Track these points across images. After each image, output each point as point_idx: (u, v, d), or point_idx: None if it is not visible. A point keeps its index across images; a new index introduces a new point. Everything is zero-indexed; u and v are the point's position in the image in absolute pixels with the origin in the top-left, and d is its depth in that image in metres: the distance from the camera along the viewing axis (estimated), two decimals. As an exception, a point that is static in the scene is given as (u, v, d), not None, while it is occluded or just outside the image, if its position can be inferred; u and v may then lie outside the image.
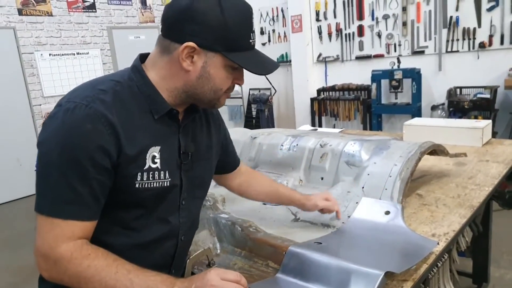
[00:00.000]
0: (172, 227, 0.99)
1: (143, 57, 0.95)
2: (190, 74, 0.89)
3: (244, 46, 0.88)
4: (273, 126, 5.94)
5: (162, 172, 0.92)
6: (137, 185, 0.88)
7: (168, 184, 0.93)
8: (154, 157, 0.90)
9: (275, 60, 5.81)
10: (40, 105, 5.36)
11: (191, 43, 0.84)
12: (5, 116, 5.02)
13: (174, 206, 0.99)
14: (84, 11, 5.63)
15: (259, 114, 6.03)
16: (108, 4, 5.86)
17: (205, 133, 1.07)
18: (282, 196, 1.33)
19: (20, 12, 5.09)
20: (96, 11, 5.75)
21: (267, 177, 1.38)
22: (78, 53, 5.62)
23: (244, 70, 0.91)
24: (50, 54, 5.38)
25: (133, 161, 0.86)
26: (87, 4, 5.64)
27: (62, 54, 5.49)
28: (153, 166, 0.90)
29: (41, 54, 5.31)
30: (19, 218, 4.49)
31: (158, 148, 0.91)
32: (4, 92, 5.01)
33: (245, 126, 6.21)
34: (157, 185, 0.91)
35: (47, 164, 0.81)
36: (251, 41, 0.89)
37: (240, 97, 6.47)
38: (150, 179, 0.89)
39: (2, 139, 5.02)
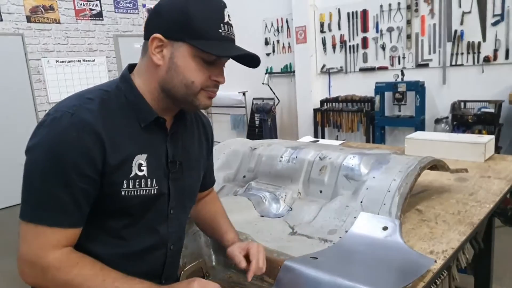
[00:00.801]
0: (161, 237, 0.99)
1: (131, 67, 0.96)
2: (161, 69, 0.89)
3: (212, 35, 0.86)
4: (276, 136, 5.94)
5: (149, 180, 0.92)
6: (123, 193, 0.88)
7: (155, 192, 0.93)
8: (140, 165, 0.90)
9: (279, 69, 5.80)
10: (45, 110, 5.35)
11: (157, 34, 0.86)
12: (10, 121, 5.06)
13: (162, 215, 0.98)
14: (91, 19, 5.70)
15: (262, 123, 6.03)
16: (115, 12, 5.93)
17: (196, 142, 1.07)
18: (216, 229, 1.18)
19: (28, 19, 5.16)
20: (103, 19, 5.82)
21: (219, 207, 1.26)
22: (84, 60, 5.68)
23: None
24: (56, 61, 5.44)
25: (118, 169, 0.86)
26: (94, 12, 5.71)
27: (69, 61, 5.55)
28: (140, 174, 0.90)
29: (48, 61, 5.37)
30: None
31: (144, 156, 0.91)
32: (11, 97, 5.06)
33: (248, 136, 6.22)
34: (144, 192, 0.91)
35: (32, 171, 0.82)
36: (221, 31, 0.86)
37: (244, 106, 6.48)
38: (137, 186, 0.90)
39: (7, 143, 5.05)
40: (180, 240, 1.07)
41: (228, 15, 0.89)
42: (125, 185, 0.88)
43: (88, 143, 0.82)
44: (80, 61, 5.64)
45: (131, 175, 0.89)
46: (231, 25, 0.90)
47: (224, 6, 0.89)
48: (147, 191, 0.92)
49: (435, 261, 1.14)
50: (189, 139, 1.05)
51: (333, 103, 5.47)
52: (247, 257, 1.04)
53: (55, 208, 0.82)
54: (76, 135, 0.81)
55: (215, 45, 0.86)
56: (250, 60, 0.92)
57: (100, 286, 0.82)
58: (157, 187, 0.93)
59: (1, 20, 4.94)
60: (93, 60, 5.76)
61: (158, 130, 0.95)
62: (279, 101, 5.98)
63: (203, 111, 1.09)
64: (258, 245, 1.07)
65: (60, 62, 5.47)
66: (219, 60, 0.89)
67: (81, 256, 0.85)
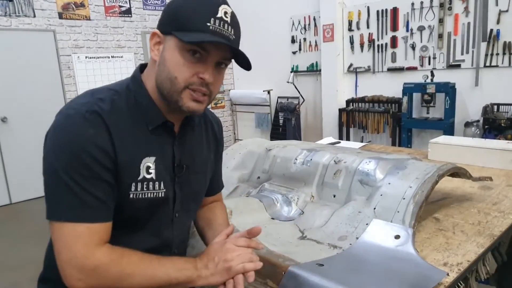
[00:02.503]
0: (165, 240, 0.98)
1: (143, 67, 0.95)
2: (157, 64, 0.89)
3: (198, 28, 0.82)
4: (299, 136, 5.89)
5: (157, 182, 0.91)
6: (131, 196, 0.88)
7: (162, 195, 0.92)
8: (148, 167, 0.89)
9: (305, 67, 5.74)
10: (75, 105, 5.55)
11: (155, 30, 0.88)
12: (41, 114, 5.23)
13: (167, 219, 0.97)
14: (120, 16, 5.81)
15: (286, 122, 5.99)
16: (144, 9, 6.02)
17: (204, 146, 1.05)
18: (208, 233, 1.12)
19: (60, 16, 5.31)
20: (131, 16, 5.91)
21: (222, 212, 1.21)
22: (112, 57, 5.80)
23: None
24: (86, 57, 5.58)
25: (126, 169, 0.86)
26: (123, 9, 5.81)
27: (98, 57, 5.67)
28: (148, 176, 0.89)
29: (78, 57, 5.51)
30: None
31: (152, 159, 0.90)
32: (42, 92, 5.23)
33: (272, 135, 6.20)
34: (151, 195, 0.90)
35: (55, 171, 0.81)
36: (209, 24, 0.83)
37: (268, 105, 6.46)
38: (145, 189, 0.89)
39: (37, 136, 5.22)
40: (183, 244, 1.07)
41: (225, 12, 0.85)
42: (133, 188, 0.88)
43: (102, 137, 0.83)
44: (108, 57, 5.76)
45: (139, 178, 0.88)
46: (227, 23, 0.85)
47: (222, 2, 0.85)
48: (155, 194, 0.91)
49: (447, 274, 1.08)
50: (197, 142, 1.04)
51: (359, 104, 5.36)
52: None
53: (89, 203, 0.81)
54: (92, 130, 0.82)
55: (196, 36, 0.82)
56: (244, 61, 0.89)
57: (150, 267, 0.84)
58: (164, 190, 0.93)
59: (34, 17, 5.10)
60: (121, 57, 5.87)
61: (166, 134, 0.94)
62: (304, 100, 5.92)
63: (217, 114, 1.06)
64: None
65: (90, 58, 5.61)
66: (208, 56, 0.86)
67: (120, 247, 0.86)
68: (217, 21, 0.83)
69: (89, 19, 5.55)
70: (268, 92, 6.38)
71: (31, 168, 5.09)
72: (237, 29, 0.88)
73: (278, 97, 6.32)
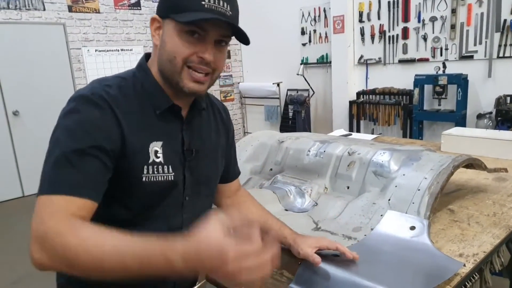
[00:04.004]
0: (174, 223, 0.99)
1: (148, 56, 0.97)
2: (158, 49, 0.90)
3: (193, 8, 0.83)
4: (309, 128, 5.87)
5: (165, 166, 0.92)
6: (144, 179, 0.89)
7: (172, 179, 0.94)
8: (156, 151, 0.91)
9: (315, 59, 5.69)
10: (85, 98, 5.59)
11: (154, 15, 0.89)
12: (52, 107, 5.26)
13: (177, 202, 0.98)
14: (129, 9, 5.81)
15: (296, 115, 5.97)
16: (153, 2, 6.01)
17: (213, 131, 1.06)
18: (269, 229, 1.17)
19: (70, 9, 5.33)
20: (140, 9, 5.92)
21: (260, 205, 1.27)
22: (122, 50, 5.81)
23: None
24: (96, 50, 5.60)
25: (136, 153, 0.88)
26: (132, 1, 5.81)
27: (107, 50, 5.69)
28: (157, 160, 0.91)
29: (88, 50, 5.54)
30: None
31: (160, 143, 0.91)
32: (53, 85, 5.27)
33: (281, 127, 6.19)
34: (162, 179, 0.92)
35: (52, 148, 0.82)
36: (204, 3, 0.83)
37: (278, 98, 6.44)
38: (155, 172, 0.91)
39: (49, 129, 5.25)
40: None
41: None
42: (145, 171, 0.89)
43: (108, 121, 0.84)
44: (118, 50, 5.78)
45: (149, 161, 0.90)
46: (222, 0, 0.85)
47: None
48: (165, 177, 0.92)
49: (464, 265, 1.08)
50: (205, 127, 1.05)
51: (370, 96, 5.32)
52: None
53: (71, 178, 0.78)
54: (98, 112, 0.83)
55: (194, 16, 0.83)
56: (242, 36, 0.89)
57: (98, 245, 0.70)
58: (173, 174, 0.94)
59: (44, 10, 5.12)
60: (130, 50, 5.88)
61: (173, 118, 0.95)
62: (313, 93, 5.89)
63: (224, 102, 1.07)
64: (326, 238, 1.14)
65: (99, 51, 5.63)
66: (206, 35, 0.86)
67: (85, 222, 0.76)
68: None
69: (99, 12, 5.56)
70: (278, 85, 6.36)
71: (43, 161, 5.16)
72: (233, 4, 0.88)
73: (288, 90, 6.30)
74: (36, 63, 5.11)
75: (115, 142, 0.84)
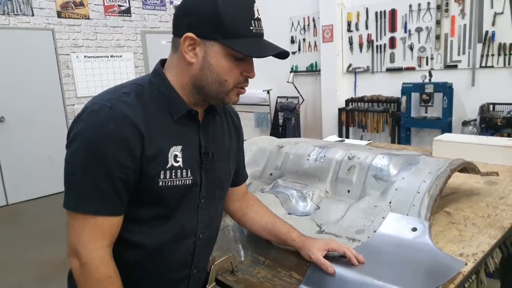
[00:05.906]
0: (190, 225, 1.01)
1: (164, 62, 0.99)
2: (194, 67, 0.91)
3: (243, 33, 0.87)
4: (299, 135, 5.93)
5: (184, 170, 0.95)
6: (160, 183, 0.91)
7: (190, 182, 0.96)
8: (176, 156, 0.93)
9: (305, 67, 5.77)
10: (73, 105, 5.55)
11: (189, 34, 0.88)
12: (39, 114, 5.22)
13: (193, 205, 1.01)
14: (119, 15, 5.81)
15: (286, 122, 6.03)
16: (143, 9, 6.02)
17: (226, 135, 1.10)
18: (278, 232, 1.22)
19: (59, 15, 5.30)
20: (131, 15, 5.92)
21: (268, 209, 1.31)
22: (112, 56, 5.80)
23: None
24: (85, 56, 5.57)
25: (154, 159, 0.90)
26: (122, 8, 5.81)
27: (97, 56, 5.67)
28: (176, 164, 0.93)
29: (77, 56, 5.51)
30: (50, 214, 4.63)
31: (179, 147, 0.94)
32: (40, 91, 5.22)
33: (271, 134, 6.23)
34: (179, 183, 0.94)
35: (73, 163, 0.86)
36: (252, 28, 0.88)
37: (268, 105, 6.50)
38: (173, 177, 0.93)
39: (35, 136, 5.21)
40: (209, 230, 1.08)
41: (257, 10, 0.90)
42: (162, 176, 0.91)
43: (127, 135, 0.85)
44: (108, 57, 5.76)
45: (167, 166, 0.92)
46: (260, 20, 0.91)
47: (253, 1, 0.90)
48: (183, 181, 0.95)
49: (466, 264, 1.13)
50: (219, 131, 1.08)
51: (359, 103, 5.42)
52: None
53: (97, 197, 0.85)
54: (115, 127, 0.84)
55: (248, 44, 0.87)
56: (280, 53, 0.94)
57: None
58: (191, 177, 0.96)
59: (33, 15, 5.09)
60: (120, 56, 5.87)
61: (190, 122, 0.98)
62: (303, 100, 5.97)
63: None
64: (334, 241, 1.19)
65: (89, 57, 5.60)
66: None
67: (116, 271, 0.90)
68: (256, 22, 0.89)
69: (89, 18, 5.54)
70: (268, 92, 6.42)
71: (29, 169, 5.08)
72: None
73: (278, 97, 6.37)
74: (23, 69, 5.05)
75: (135, 156, 0.87)
